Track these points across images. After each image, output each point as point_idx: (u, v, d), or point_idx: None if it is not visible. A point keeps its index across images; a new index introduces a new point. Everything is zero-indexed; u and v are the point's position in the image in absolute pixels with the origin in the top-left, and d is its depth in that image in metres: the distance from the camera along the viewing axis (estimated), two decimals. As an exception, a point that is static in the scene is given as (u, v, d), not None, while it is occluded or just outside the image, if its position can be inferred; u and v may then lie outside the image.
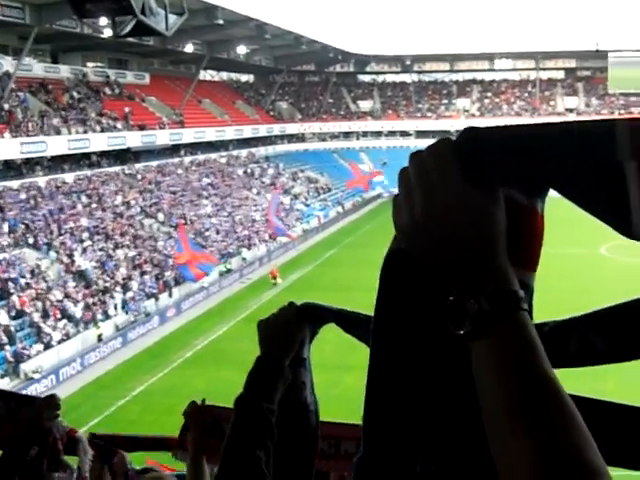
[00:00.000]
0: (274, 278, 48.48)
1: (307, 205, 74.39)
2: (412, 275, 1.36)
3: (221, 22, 61.18)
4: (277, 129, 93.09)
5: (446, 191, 1.18)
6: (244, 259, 55.46)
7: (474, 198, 1.18)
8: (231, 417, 2.47)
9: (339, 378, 25.48)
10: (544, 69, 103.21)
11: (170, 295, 44.94)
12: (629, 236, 1.32)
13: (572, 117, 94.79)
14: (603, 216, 1.31)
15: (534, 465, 1.02)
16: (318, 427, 2.29)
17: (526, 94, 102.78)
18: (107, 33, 48.26)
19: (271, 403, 2.08)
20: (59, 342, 35.95)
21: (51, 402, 3.76)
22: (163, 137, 68.04)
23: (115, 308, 40.87)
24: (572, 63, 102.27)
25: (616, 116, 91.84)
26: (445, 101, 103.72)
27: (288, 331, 2.15)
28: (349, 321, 2.06)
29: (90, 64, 69.12)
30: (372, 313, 1.54)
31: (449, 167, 1.19)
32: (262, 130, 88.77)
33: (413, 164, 1.23)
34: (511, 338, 1.13)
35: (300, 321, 2.16)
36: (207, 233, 55.98)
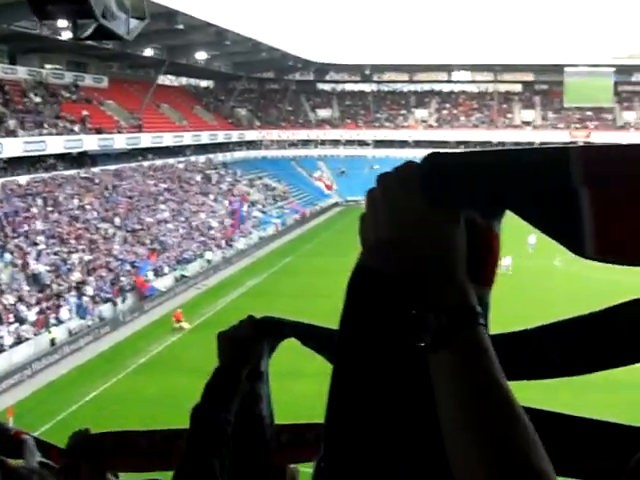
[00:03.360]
0: (178, 322, 41.24)
1: (264, 212, 74.33)
2: (377, 291, 1.40)
3: (181, 27, 61.14)
4: (235, 136, 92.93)
5: (410, 211, 1.24)
6: (209, 261, 55.93)
7: (436, 219, 1.24)
8: (132, 439, 2.50)
9: (290, 385, 25.49)
10: (502, 82, 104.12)
11: (124, 300, 44.66)
12: (582, 256, 1.40)
13: (529, 130, 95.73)
14: (557, 237, 1.38)
15: (485, 469, 1.07)
16: (272, 439, 2.33)
17: (484, 106, 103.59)
18: (66, 35, 48.01)
19: (228, 413, 2.11)
20: (11, 346, 35.56)
21: None
22: (120, 141, 67.62)
23: (69, 312, 40.52)
24: (529, 76, 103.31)
25: (572, 130, 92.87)
26: (403, 111, 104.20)
27: (246, 344, 2.18)
28: (307, 334, 2.10)
29: (48, 66, 68.41)
30: (327, 323, 1.60)
31: (414, 189, 1.25)
32: (220, 136, 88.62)
33: (380, 185, 1.28)
34: (467, 351, 1.18)
35: (258, 335, 2.19)
36: (163, 238, 55.71)
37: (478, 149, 1.40)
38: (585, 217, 1.34)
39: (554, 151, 1.33)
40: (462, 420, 1.13)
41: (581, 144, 1.37)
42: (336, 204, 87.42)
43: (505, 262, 46.55)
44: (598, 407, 21.36)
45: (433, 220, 1.24)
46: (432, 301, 1.23)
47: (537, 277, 48.81)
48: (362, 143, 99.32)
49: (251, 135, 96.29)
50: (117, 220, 55.24)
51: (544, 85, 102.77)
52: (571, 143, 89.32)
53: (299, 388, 25.32)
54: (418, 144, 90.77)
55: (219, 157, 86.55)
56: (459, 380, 1.16)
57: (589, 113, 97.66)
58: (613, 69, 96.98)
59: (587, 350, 1.67)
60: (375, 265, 1.32)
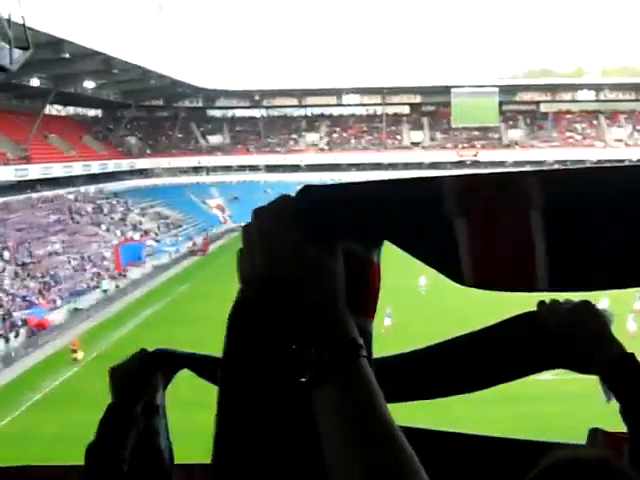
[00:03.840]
0: (74, 352, 39.81)
1: (158, 241, 73.60)
2: (257, 326, 1.40)
3: (67, 56, 60.29)
4: (126, 164, 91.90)
5: (286, 245, 1.25)
6: (105, 291, 54.86)
7: (313, 252, 1.25)
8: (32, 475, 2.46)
9: (190, 415, 25.20)
10: (390, 104, 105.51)
11: (17, 336, 43.60)
12: (461, 283, 1.48)
13: (418, 151, 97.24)
14: (436, 266, 1.45)
15: None
16: (172, 473, 2.28)
17: (373, 129, 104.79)
18: (-52, 67, 46.83)
19: (123, 450, 2.07)
20: None
21: None
22: (8, 173, 66.22)
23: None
24: (417, 98, 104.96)
25: (459, 150, 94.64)
26: (294, 136, 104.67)
27: (139, 378, 2.15)
28: (202, 365, 2.08)
29: None
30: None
31: (288, 223, 1.26)
32: (111, 165, 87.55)
33: (256, 219, 1.29)
34: (348, 385, 1.17)
35: (152, 368, 2.16)
36: (55, 271, 54.66)
37: (354, 181, 1.42)
38: (460, 246, 1.40)
39: (428, 182, 1.36)
40: (345, 453, 1.13)
41: (454, 174, 1.40)
42: (231, 230, 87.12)
43: (421, 282, 47.21)
44: (493, 420, 21.75)
45: (310, 253, 1.25)
46: (312, 335, 1.22)
47: (440, 296, 49.41)
48: (254, 168, 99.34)
49: (142, 163, 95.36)
50: (7, 254, 53.99)
51: (431, 106, 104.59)
52: (459, 162, 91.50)
53: (204, 418, 25.02)
54: (310, 168, 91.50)
55: (110, 187, 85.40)
56: (341, 414, 1.16)
57: (476, 132, 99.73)
58: (497, 89, 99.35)
59: (478, 366, 1.73)
60: (254, 300, 1.31)
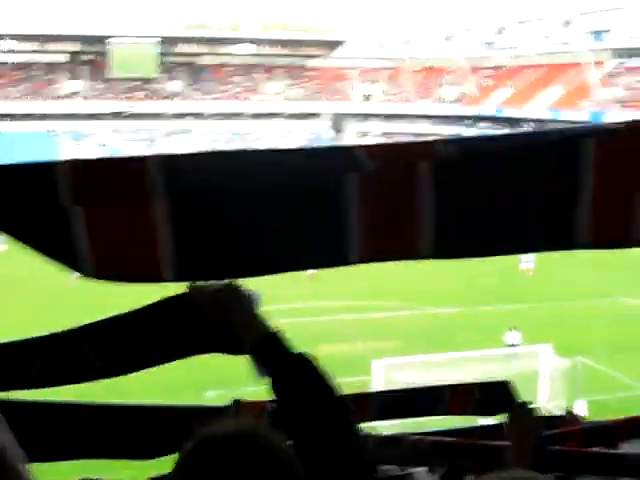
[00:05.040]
0: None
1: None
2: None
3: None
4: None
5: None
6: None
7: None
8: None
9: None
10: (47, 52, 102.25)
11: None
12: (82, 273, 1.42)
13: (77, 101, 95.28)
14: (53, 256, 1.36)
15: None
16: None
17: (29, 77, 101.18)
18: None
19: None
20: None
21: None
22: None
23: None
24: (76, 46, 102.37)
25: (119, 100, 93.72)
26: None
27: None
28: None
29: None
30: None
31: None
32: None
33: None
34: None
35: None
36: None
37: None
38: (77, 236, 1.33)
39: (39, 167, 1.28)
40: None
41: (67, 160, 1.32)
42: None
43: None
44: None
45: None
46: None
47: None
48: None
49: None
50: None
51: (90, 55, 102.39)
52: (117, 113, 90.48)
53: None
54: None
55: None
56: None
57: (136, 83, 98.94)
58: (158, 40, 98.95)
59: (126, 350, 1.67)
60: None
